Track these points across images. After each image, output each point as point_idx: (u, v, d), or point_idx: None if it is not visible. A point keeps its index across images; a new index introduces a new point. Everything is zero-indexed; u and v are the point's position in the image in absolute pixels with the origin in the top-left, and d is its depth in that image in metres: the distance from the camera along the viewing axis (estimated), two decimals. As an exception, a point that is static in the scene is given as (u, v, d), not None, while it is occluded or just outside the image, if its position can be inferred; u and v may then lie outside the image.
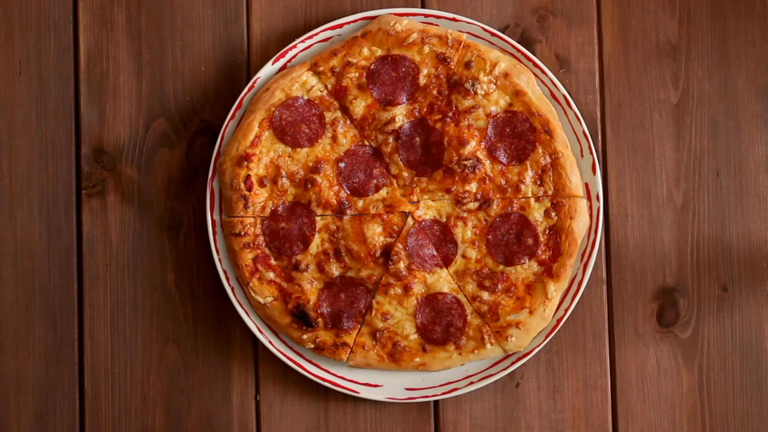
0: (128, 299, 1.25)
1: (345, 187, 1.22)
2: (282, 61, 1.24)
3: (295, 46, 1.24)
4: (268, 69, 1.24)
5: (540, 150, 1.20)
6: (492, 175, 1.21)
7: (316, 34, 1.24)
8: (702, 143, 1.26)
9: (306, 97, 1.23)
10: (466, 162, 1.20)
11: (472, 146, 1.21)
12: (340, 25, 1.24)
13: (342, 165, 1.22)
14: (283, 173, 1.22)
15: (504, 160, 1.21)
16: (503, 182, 1.21)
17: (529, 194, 1.20)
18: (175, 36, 1.27)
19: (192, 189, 1.26)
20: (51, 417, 1.25)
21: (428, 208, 1.23)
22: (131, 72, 1.27)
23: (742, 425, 1.24)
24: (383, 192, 1.23)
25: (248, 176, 1.21)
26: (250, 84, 1.23)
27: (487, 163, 1.21)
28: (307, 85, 1.23)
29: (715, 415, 1.24)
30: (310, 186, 1.22)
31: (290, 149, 1.23)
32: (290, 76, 1.22)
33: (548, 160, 1.20)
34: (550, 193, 1.20)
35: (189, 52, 1.27)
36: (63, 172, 1.26)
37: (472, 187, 1.21)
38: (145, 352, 1.25)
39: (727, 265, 1.25)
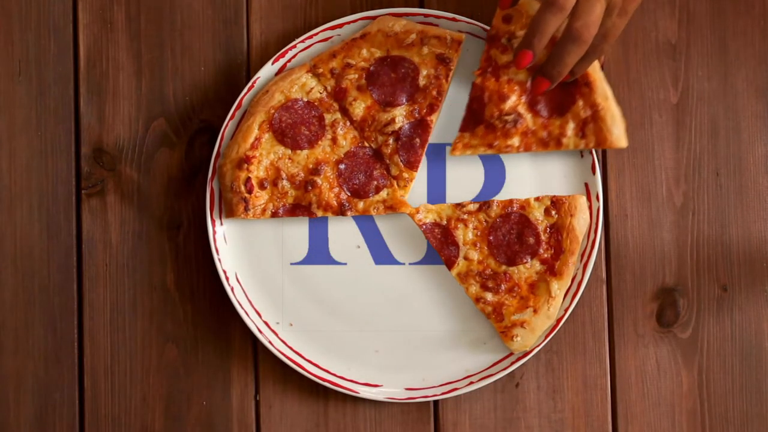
0: (128, 299, 1.25)
1: (345, 189, 1.23)
2: (282, 61, 1.24)
3: (294, 47, 1.24)
4: (268, 69, 1.24)
5: (580, 103, 1.19)
6: (533, 128, 1.20)
7: (315, 35, 1.24)
8: (702, 143, 1.26)
9: (305, 99, 1.23)
10: (507, 117, 1.19)
11: (512, 101, 1.20)
12: (340, 26, 1.24)
13: (342, 167, 1.23)
14: (284, 175, 1.22)
15: (545, 114, 1.21)
16: (545, 135, 1.20)
17: (571, 146, 1.19)
18: (175, 36, 1.27)
19: (192, 189, 1.26)
20: (51, 417, 1.25)
21: (428, 212, 1.23)
22: (131, 72, 1.27)
23: (742, 425, 1.24)
24: (383, 193, 1.23)
25: (248, 179, 1.21)
26: (249, 84, 1.23)
27: (528, 116, 1.20)
28: (306, 86, 1.23)
29: (715, 415, 1.24)
30: (310, 188, 1.22)
31: (290, 151, 1.23)
32: (289, 78, 1.22)
33: (588, 112, 1.19)
34: (591, 145, 1.19)
35: (189, 52, 1.27)
36: (63, 172, 1.26)
37: (514, 141, 1.20)
38: (144, 352, 1.25)
39: (727, 265, 1.25)
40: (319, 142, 1.23)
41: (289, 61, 1.24)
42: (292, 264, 1.24)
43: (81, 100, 1.27)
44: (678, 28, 1.27)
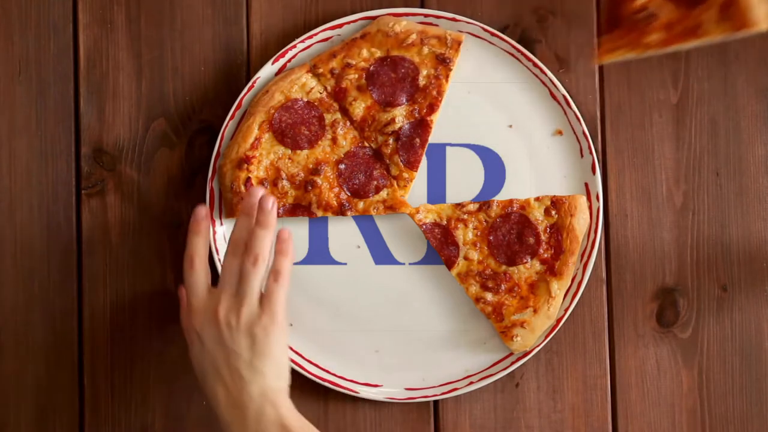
0: (128, 299, 1.25)
1: (345, 189, 1.23)
2: (282, 61, 1.24)
3: (294, 46, 1.24)
4: (268, 69, 1.24)
5: None
6: (674, 20, 1.14)
7: (315, 34, 1.24)
8: (702, 143, 1.26)
9: (305, 99, 1.23)
10: (643, 12, 1.15)
11: None
12: (340, 26, 1.24)
13: (342, 167, 1.23)
14: (284, 175, 1.22)
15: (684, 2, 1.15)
16: (685, 25, 1.14)
17: (713, 33, 1.11)
18: (175, 36, 1.27)
19: (192, 189, 1.26)
20: (51, 417, 1.25)
21: (428, 212, 1.23)
22: (131, 72, 1.27)
23: (742, 425, 1.24)
24: (383, 193, 1.23)
25: (248, 179, 1.21)
26: (249, 84, 1.23)
27: (668, 7, 1.14)
28: (306, 87, 1.23)
29: (715, 415, 1.24)
30: (310, 188, 1.22)
31: (290, 151, 1.23)
32: (289, 78, 1.22)
33: None
34: (734, 28, 1.11)
35: (189, 52, 1.27)
36: (63, 172, 1.26)
37: (656, 37, 1.14)
38: (144, 352, 1.25)
39: (727, 265, 1.25)
40: (319, 142, 1.23)
41: (289, 61, 1.24)
42: (292, 264, 1.24)
43: (81, 100, 1.27)
44: (678, 28, 1.27)
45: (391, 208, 1.23)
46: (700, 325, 1.25)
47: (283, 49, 1.24)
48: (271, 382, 1.10)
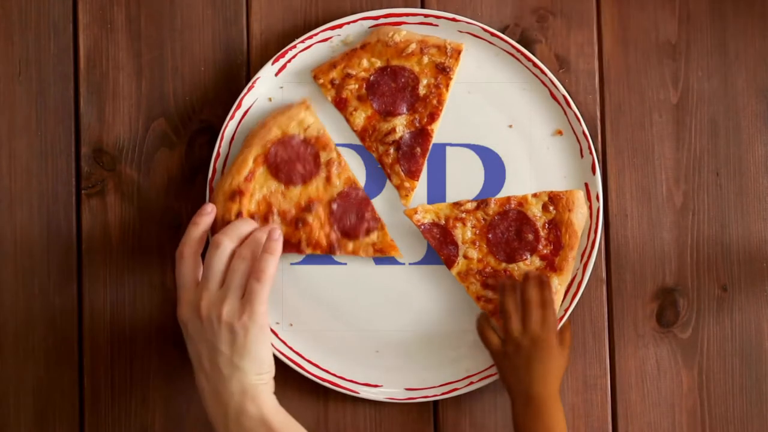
0: (128, 299, 1.25)
1: (336, 229, 1.22)
2: (282, 62, 1.24)
3: (294, 47, 1.24)
4: (268, 69, 1.24)
5: None
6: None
7: (315, 35, 1.24)
8: (702, 143, 1.26)
9: (303, 136, 1.22)
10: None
11: None
12: (340, 26, 1.24)
13: (335, 206, 1.22)
14: (275, 210, 1.21)
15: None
16: None
17: None
18: (175, 36, 1.27)
19: (192, 189, 1.26)
20: (51, 417, 1.25)
21: (426, 212, 1.23)
22: (131, 72, 1.27)
23: (742, 425, 1.24)
24: (373, 236, 1.23)
25: (240, 212, 1.20)
26: (249, 84, 1.23)
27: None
28: (304, 123, 1.22)
29: (715, 415, 1.24)
30: (301, 225, 1.21)
31: (283, 187, 1.22)
32: (287, 113, 1.22)
33: None
34: None
35: (189, 52, 1.27)
36: (63, 172, 1.26)
37: None
38: (144, 353, 1.25)
39: (727, 265, 1.25)
40: (313, 180, 1.22)
41: (289, 61, 1.24)
42: (292, 264, 1.24)
43: (81, 100, 1.27)
44: (678, 28, 1.27)
45: (381, 251, 1.23)
46: (700, 325, 1.25)
47: (283, 49, 1.24)
48: (251, 379, 1.11)
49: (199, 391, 1.13)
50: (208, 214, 1.17)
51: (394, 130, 1.23)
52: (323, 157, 1.22)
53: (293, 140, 1.22)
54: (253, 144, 1.21)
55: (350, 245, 1.22)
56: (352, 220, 1.22)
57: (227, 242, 1.14)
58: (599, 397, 1.25)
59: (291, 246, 1.22)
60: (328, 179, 1.22)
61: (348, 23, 1.24)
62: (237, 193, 1.20)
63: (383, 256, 1.23)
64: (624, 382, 1.25)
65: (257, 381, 1.11)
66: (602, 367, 1.25)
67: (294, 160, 1.22)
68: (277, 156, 1.21)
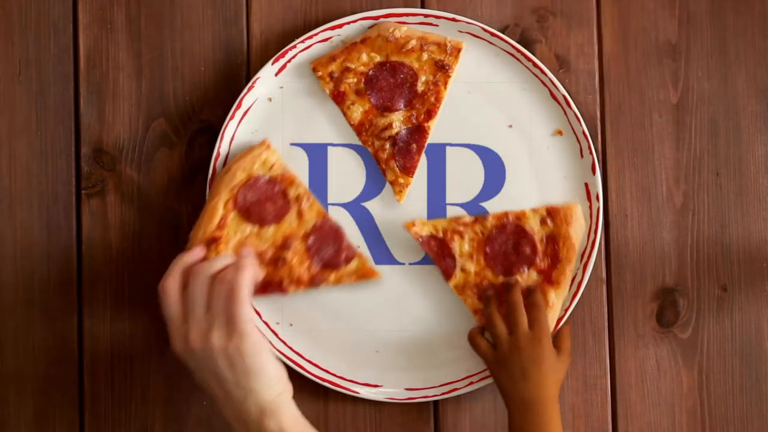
0: (128, 299, 1.25)
1: (316, 262, 1.21)
2: (282, 62, 1.24)
3: (294, 47, 1.24)
4: (268, 69, 1.24)
5: None
6: None
7: (315, 35, 1.24)
8: (702, 143, 1.26)
9: (268, 176, 1.22)
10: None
11: None
12: (340, 26, 1.24)
13: (310, 241, 1.21)
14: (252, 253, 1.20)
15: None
16: None
17: None
18: (175, 36, 1.27)
19: (192, 189, 1.26)
20: (51, 417, 1.25)
21: (424, 225, 1.23)
22: (131, 72, 1.27)
23: (742, 425, 1.24)
24: (353, 264, 1.22)
25: None
26: (249, 84, 1.23)
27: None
28: (268, 163, 1.22)
29: (715, 415, 1.24)
30: (280, 264, 1.21)
31: (257, 228, 1.21)
32: (250, 155, 1.21)
33: None
34: None
35: (189, 52, 1.27)
36: (63, 172, 1.26)
37: None
38: (144, 352, 1.25)
39: (727, 265, 1.25)
40: (286, 218, 1.22)
41: (289, 61, 1.24)
42: (292, 264, 1.25)
43: (81, 100, 1.27)
44: (678, 28, 1.27)
45: (363, 276, 1.22)
46: (700, 325, 1.25)
47: (283, 49, 1.24)
48: (264, 396, 1.10)
49: (220, 413, 1.12)
50: (195, 254, 1.16)
51: (390, 125, 1.23)
52: (291, 192, 1.22)
53: (259, 181, 1.21)
54: (221, 191, 1.20)
55: (332, 276, 1.22)
56: (330, 252, 1.21)
57: (206, 270, 1.13)
58: (599, 397, 1.25)
59: (274, 286, 1.21)
60: (299, 214, 1.22)
61: (348, 23, 1.24)
62: (212, 241, 1.19)
63: (367, 279, 1.22)
64: (624, 382, 1.25)
65: (272, 396, 1.10)
66: (602, 367, 1.25)
67: (264, 201, 1.21)
68: (246, 199, 1.21)
